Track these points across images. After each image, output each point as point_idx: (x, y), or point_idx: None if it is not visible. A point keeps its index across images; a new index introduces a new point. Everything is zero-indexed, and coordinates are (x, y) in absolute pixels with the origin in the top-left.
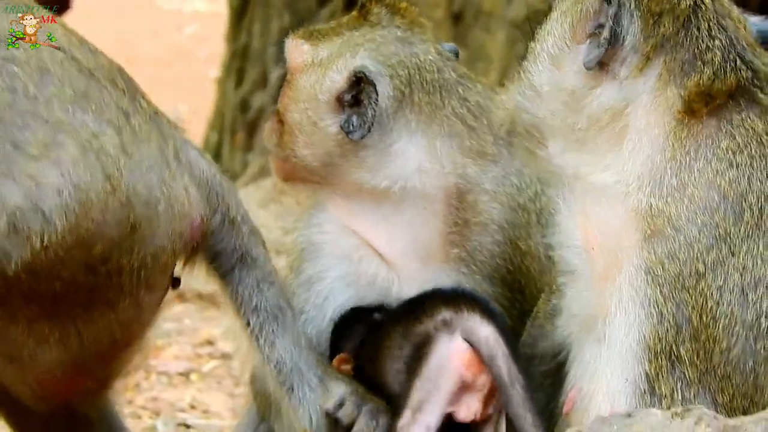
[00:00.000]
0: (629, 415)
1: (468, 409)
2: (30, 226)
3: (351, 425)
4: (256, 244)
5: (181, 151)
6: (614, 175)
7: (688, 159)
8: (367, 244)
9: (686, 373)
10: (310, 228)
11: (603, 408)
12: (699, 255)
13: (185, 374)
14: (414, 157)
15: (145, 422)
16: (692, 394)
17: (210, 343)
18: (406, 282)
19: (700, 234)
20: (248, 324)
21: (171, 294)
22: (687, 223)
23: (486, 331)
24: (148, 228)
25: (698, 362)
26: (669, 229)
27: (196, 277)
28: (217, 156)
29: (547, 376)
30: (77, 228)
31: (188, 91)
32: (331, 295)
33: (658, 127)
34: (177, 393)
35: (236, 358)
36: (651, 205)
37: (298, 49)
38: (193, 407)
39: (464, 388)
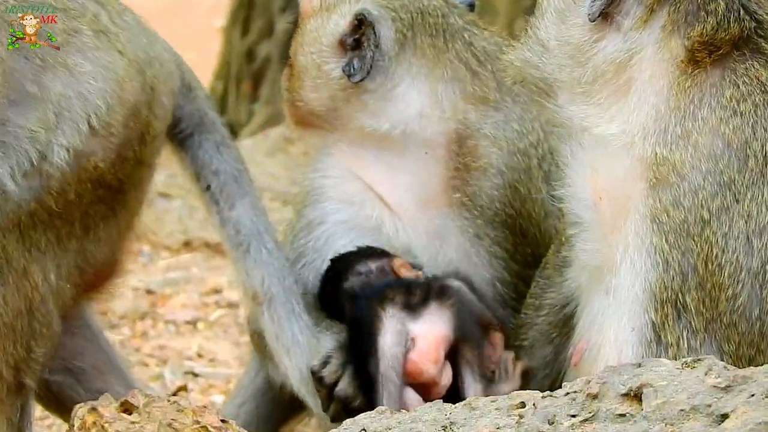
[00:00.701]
0: (639, 365)
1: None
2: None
3: (334, 384)
4: (210, 107)
5: (142, 20)
6: (620, 126)
7: (692, 108)
8: (371, 189)
9: (692, 322)
10: (314, 173)
11: (611, 359)
12: (704, 202)
13: (192, 323)
14: (415, 101)
15: (152, 370)
16: (698, 342)
17: (217, 291)
18: (409, 227)
19: (704, 181)
20: (209, 188)
21: (178, 243)
22: (691, 170)
23: (434, 330)
24: (160, 86)
25: (704, 310)
26: (674, 177)
27: (204, 226)
28: (222, 105)
29: (555, 327)
30: (121, 104)
31: (193, 40)
32: (331, 238)
33: (662, 77)
34: (184, 341)
35: (243, 307)
36: (656, 153)
37: None
38: (200, 356)
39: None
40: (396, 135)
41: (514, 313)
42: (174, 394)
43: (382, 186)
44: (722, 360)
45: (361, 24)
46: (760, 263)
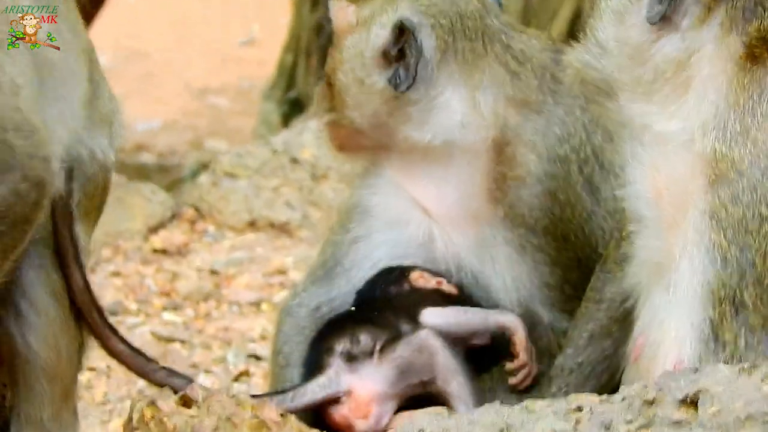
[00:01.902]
0: (696, 370)
1: None
2: None
3: None
4: None
5: None
6: (680, 123)
7: (751, 104)
8: (419, 206)
9: (750, 319)
10: (362, 189)
11: (670, 355)
12: (762, 198)
13: (256, 304)
14: (457, 110)
15: (215, 353)
16: (756, 340)
17: (281, 272)
18: (457, 242)
19: (763, 177)
20: None
21: (243, 223)
22: (750, 166)
23: (367, 386)
24: None
25: (762, 307)
26: (733, 173)
27: (269, 206)
28: (291, 78)
29: (615, 322)
30: None
31: (263, 11)
32: (376, 256)
33: (721, 74)
34: (247, 323)
35: None
36: (715, 150)
37: (342, 11)
38: (263, 338)
39: None
40: (439, 145)
41: (563, 315)
42: (236, 379)
43: (429, 200)
44: None
45: (403, 32)
46: None
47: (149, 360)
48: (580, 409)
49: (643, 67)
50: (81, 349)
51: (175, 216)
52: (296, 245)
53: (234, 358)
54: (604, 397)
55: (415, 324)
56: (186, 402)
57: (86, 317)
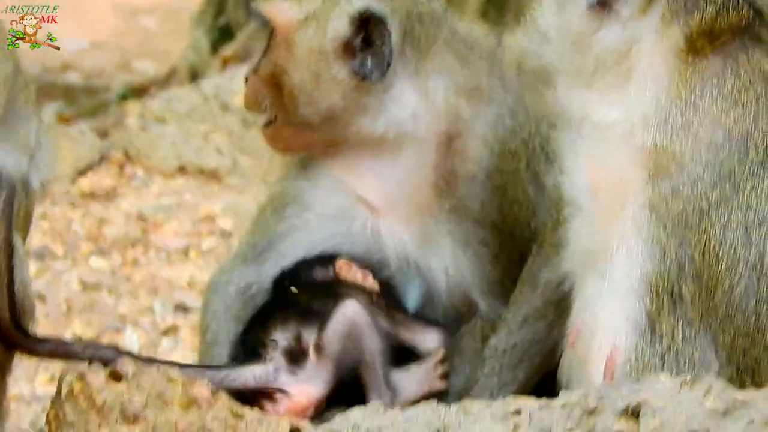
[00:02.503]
0: (637, 380)
1: None
2: None
3: None
4: None
5: None
6: (620, 114)
7: (693, 97)
8: (362, 201)
9: (687, 313)
10: (301, 179)
11: (605, 344)
12: (703, 193)
13: (184, 251)
14: (410, 101)
15: (142, 303)
16: (693, 333)
17: (210, 219)
18: (403, 236)
19: (704, 172)
20: None
21: (172, 168)
22: (691, 161)
23: (308, 391)
24: None
25: (699, 302)
26: (673, 167)
27: (199, 152)
28: (221, 4)
29: (549, 305)
30: None
31: None
32: (311, 244)
33: (662, 66)
34: (175, 270)
35: (236, 236)
36: (656, 143)
37: (279, 9)
38: (190, 286)
39: None
40: (390, 137)
41: (501, 305)
42: (164, 333)
43: (374, 194)
44: (716, 352)
45: (366, 22)
46: (758, 254)
47: (73, 343)
48: (518, 412)
49: (584, 57)
50: (4, 359)
51: (103, 159)
52: (225, 192)
53: (161, 308)
54: (544, 402)
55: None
56: (116, 376)
57: (4, 329)
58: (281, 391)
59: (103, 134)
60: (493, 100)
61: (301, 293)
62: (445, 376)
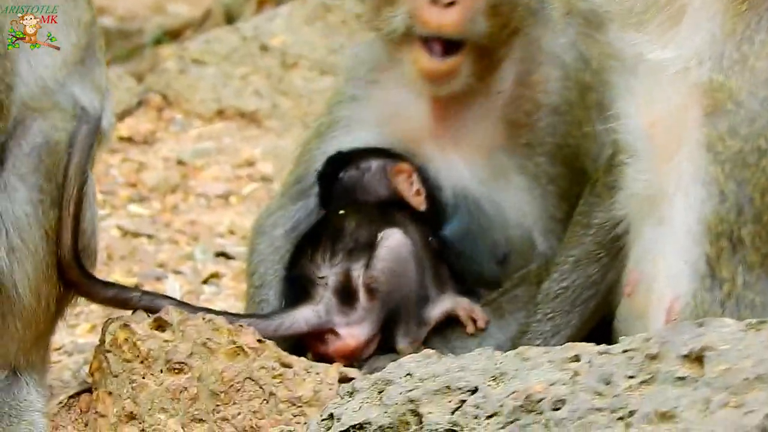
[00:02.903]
0: (701, 324)
1: None
2: None
3: None
4: None
5: None
6: (674, 53)
7: (749, 32)
8: (423, 128)
9: (747, 257)
10: (349, 101)
11: (666, 292)
12: (761, 130)
13: (224, 197)
14: None
15: (182, 249)
16: (754, 278)
17: (250, 164)
18: (460, 169)
19: (762, 108)
20: None
21: (211, 111)
22: (748, 97)
23: (357, 333)
24: None
25: (761, 245)
26: (730, 104)
27: (239, 94)
28: None
29: (602, 247)
30: None
31: None
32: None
33: (716, 1)
34: (215, 216)
35: (277, 181)
36: (711, 79)
37: None
38: (231, 232)
39: None
40: None
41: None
42: (205, 281)
43: (437, 123)
44: None
45: None
46: None
47: (130, 290)
48: (577, 358)
49: None
50: (61, 297)
51: (141, 103)
52: (265, 135)
53: (202, 255)
54: (603, 348)
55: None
56: (161, 325)
57: (66, 265)
58: (332, 331)
59: (139, 78)
60: (564, 28)
61: (349, 214)
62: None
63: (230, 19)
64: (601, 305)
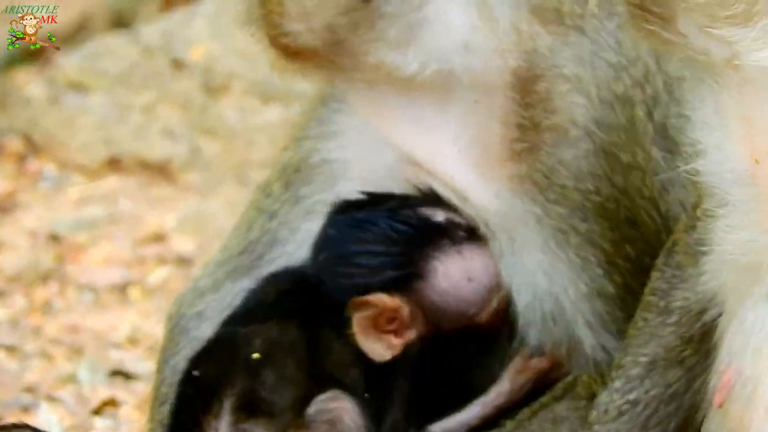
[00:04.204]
0: None
1: None
2: None
3: None
4: None
5: None
6: None
7: None
8: (408, 161)
9: None
10: (322, 140)
11: None
12: None
13: (121, 288)
14: (458, 24)
15: (60, 368)
16: None
17: (159, 238)
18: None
19: None
20: None
21: (99, 161)
22: None
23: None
24: None
25: None
26: None
27: (139, 134)
28: None
29: (687, 343)
30: None
31: None
32: None
33: None
34: (108, 318)
35: (200, 264)
36: None
37: None
38: (132, 342)
39: None
40: (431, 77)
41: (617, 342)
42: (97, 412)
43: (422, 152)
44: None
45: None
46: None
47: None
48: None
49: None
50: None
51: None
52: (181, 196)
53: (90, 375)
54: None
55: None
56: None
57: None
58: None
59: None
60: (585, 29)
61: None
62: None
63: (122, 22)
64: (684, 425)
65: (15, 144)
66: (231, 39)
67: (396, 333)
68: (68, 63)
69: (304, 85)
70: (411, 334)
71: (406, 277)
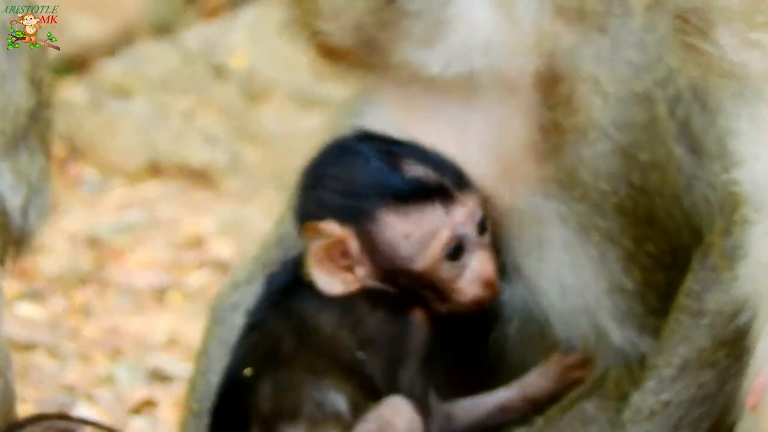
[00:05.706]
0: None
1: None
2: None
3: None
4: None
5: None
6: None
7: None
8: None
9: None
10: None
11: None
12: None
13: (159, 291)
14: (480, 24)
15: (98, 368)
16: None
17: (197, 243)
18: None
19: None
20: None
21: (139, 166)
22: None
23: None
24: None
25: None
26: None
27: (180, 139)
28: None
29: (720, 345)
30: None
31: None
32: None
33: None
34: (147, 321)
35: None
36: None
37: None
38: (171, 343)
39: None
40: (453, 77)
41: (643, 336)
42: (136, 411)
43: (447, 151)
44: None
45: None
46: None
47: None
48: None
49: None
50: None
51: None
52: (220, 201)
53: (128, 375)
54: None
55: None
56: None
57: None
58: None
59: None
60: (607, 29)
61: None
62: None
63: (164, 29)
64: (715, 428)
65: (57, 148)
66: (271, 46)
67: (349, 269)
68: (110, 69)
69: (344, 91)
70: (361, 271)
71: (359, 212)
